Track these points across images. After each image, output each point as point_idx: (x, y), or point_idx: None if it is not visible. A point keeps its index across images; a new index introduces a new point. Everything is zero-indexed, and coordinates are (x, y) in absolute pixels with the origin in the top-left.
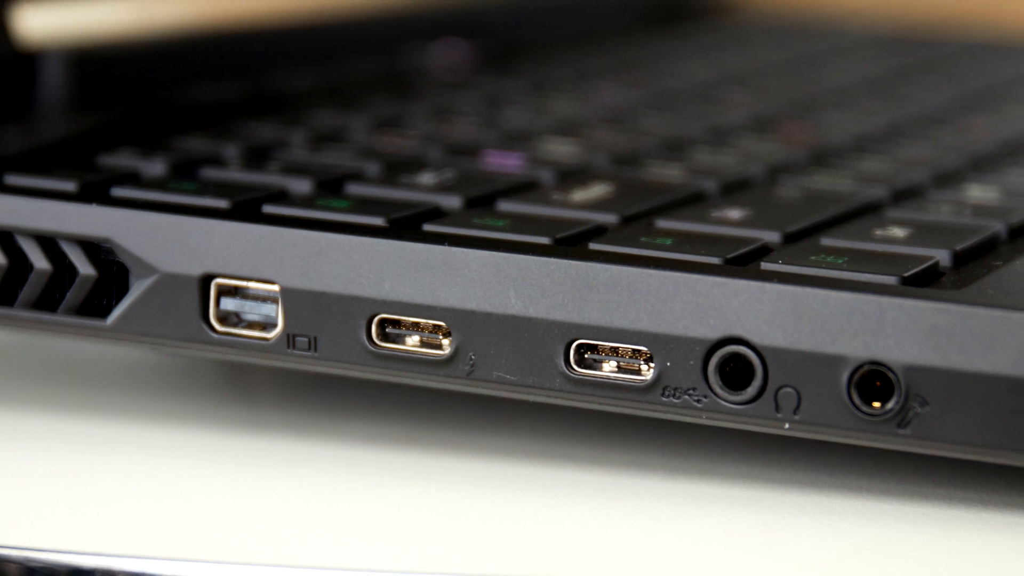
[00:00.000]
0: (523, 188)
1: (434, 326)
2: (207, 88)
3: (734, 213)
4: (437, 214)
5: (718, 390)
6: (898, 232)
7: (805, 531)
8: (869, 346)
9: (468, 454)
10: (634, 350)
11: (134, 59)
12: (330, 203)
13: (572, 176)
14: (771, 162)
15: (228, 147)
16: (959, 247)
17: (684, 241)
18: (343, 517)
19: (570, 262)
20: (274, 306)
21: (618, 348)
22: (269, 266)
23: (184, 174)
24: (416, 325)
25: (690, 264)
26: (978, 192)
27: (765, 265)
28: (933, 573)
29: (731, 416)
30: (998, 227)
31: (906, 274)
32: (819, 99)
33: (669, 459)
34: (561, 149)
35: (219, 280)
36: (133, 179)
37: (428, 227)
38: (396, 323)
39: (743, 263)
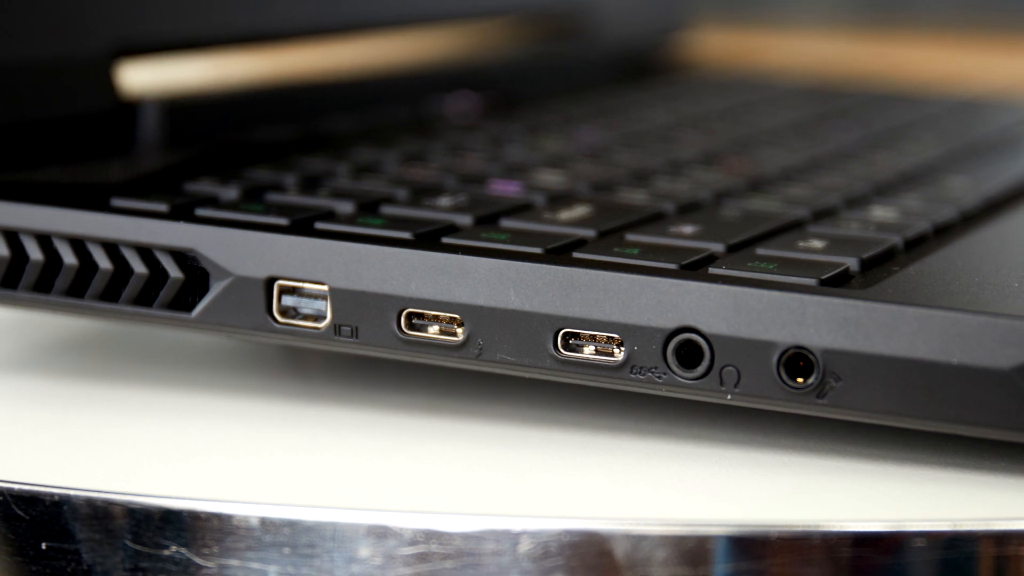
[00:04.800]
0: (521, 209)
1: (450, 318)
2: (270, 130)
3: (687, 228)
4: (453, 229)
5: (675, 368)
6: (817, 244)
7: (744, 480)
8: (794, 333)
9: (477, 419)
10: (608, 337)
11: (213, 107)
12: (368, 221)
13: (559, 200)
14: (717, 188)
15: (287, 177)
16: (865, 255)
17: (648, 251)
18: (378, 469)
19: (558, 267)
20: (324, 302)
21: (596, 335)
22: (320, 270)
23: (253, 198)
24: (436, 317)
25: (652, 269)
26: (880, 212)
27: (712, 270)
28: (844, 512)
29: (685, 389)
30: (896, 240)
31: (823, 277)
32: (755, 138)
33: (636, 423)
34: (551, 178)
35: (280, 282)
36: (212, 202)
37: (446, 240)
38: (420, 316)
39: (695, 268)
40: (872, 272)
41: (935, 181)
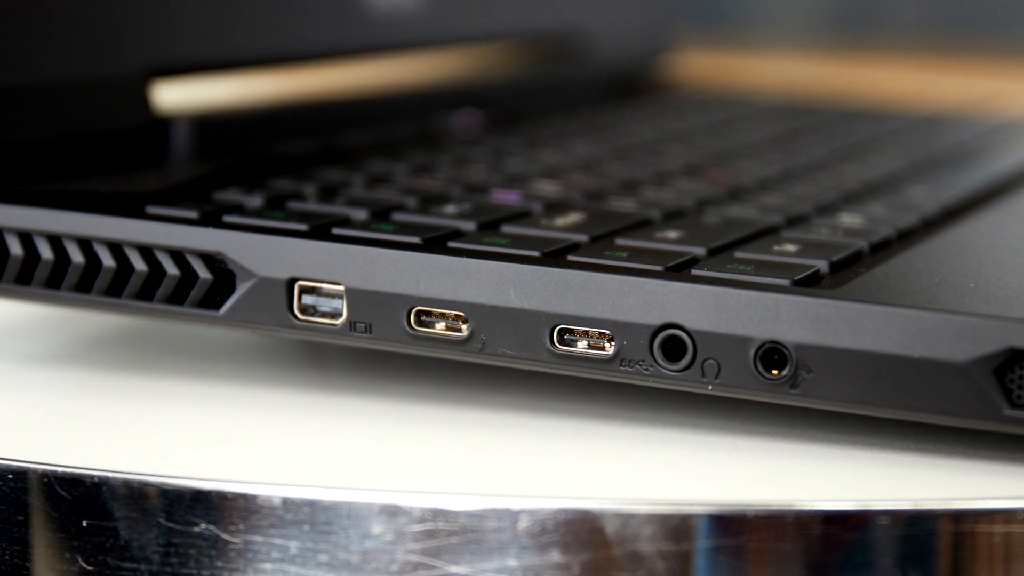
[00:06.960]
0: (520, 216)
1: (455, 315)
2: (292, 144)
3: (672, 234)
4: (458, 235)
5: (660, 361)
6: (790, 247)
7: (723, 463)
8: (769, 329)
9: (480, 408)
10: (600, 332)
11: (240, 122)
12: (381, 227)
13: (555, 207)
14: (699, 197)
15: (307, 186)
16: (834, 258)
17: (636, 254)
18: (389, 453)
19: (554, 269)
20: (340, 301)
21: (588, 331)
22: (337, 272)
23: (275, 206)
24: (443, 315)
25: (640, 271)
26: (848, 219)
27: (694, 271)
28: (815, 492)
29: (670, 380)
30: (862, 244)
31: (796, 278)
32: (733, 152)
33: (625, 411)
34: (547, 188)
35: (301, 282)
36: (239, 209)
37: (452, 244)
38: (428, 313)
39: (679, 270)
40: (841, 273)
41: (898, 190)
